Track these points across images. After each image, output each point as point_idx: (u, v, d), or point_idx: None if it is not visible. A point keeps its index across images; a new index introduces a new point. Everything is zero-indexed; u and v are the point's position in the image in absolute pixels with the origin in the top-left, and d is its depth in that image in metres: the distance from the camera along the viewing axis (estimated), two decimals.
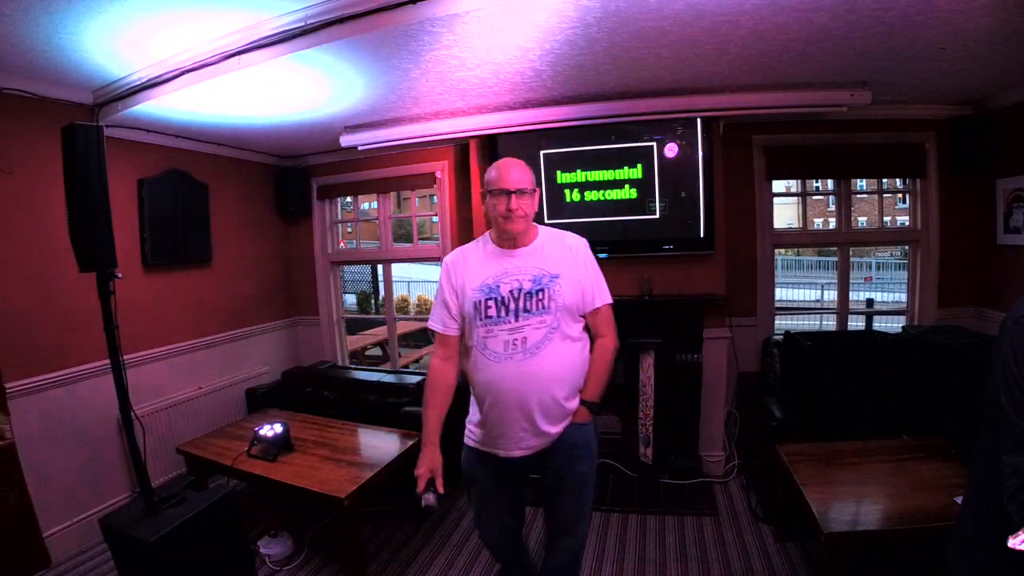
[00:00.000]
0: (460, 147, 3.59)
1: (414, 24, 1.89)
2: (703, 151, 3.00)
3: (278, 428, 2.68)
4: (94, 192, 1.73)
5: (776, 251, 3.80)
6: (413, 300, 9.97)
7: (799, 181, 3.69)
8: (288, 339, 4.34)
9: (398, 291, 9.72)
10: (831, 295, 7.91)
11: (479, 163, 3.43)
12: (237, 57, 2.15)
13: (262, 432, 2.66)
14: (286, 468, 2.49)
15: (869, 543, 1.90)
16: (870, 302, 7.82)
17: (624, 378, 3.46)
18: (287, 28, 2.00)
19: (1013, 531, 0.91)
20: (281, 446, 2.63)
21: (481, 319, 1.58)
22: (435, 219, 4.04)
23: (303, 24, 1.96)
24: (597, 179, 3.15)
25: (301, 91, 2.61)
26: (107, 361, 1.86)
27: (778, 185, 3.61)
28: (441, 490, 1.61)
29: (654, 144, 3.04)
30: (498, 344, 1.56)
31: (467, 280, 1.62)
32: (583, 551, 1.86)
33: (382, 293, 5.50)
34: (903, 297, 3.70)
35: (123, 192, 2.92)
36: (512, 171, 1.59)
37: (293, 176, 4.08)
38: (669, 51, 2.27)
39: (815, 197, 9.98)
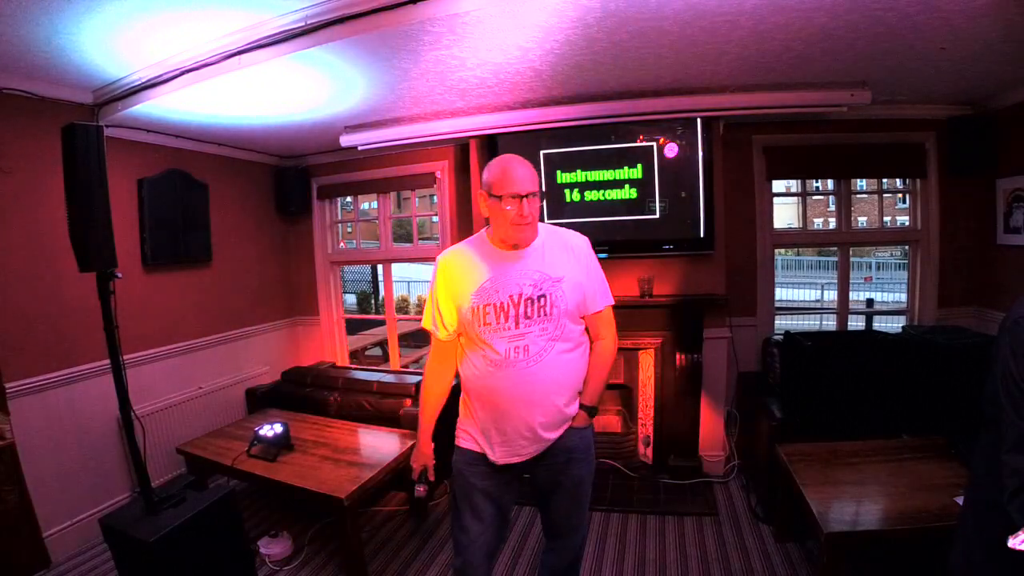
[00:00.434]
0: (460, 147, 3.59)
1: (414, 24, 1.89)
2: (703, 151, 3.00)
3: (278, 428, 2.67)
4: (94, 192, 1.73)
5: (776, 251, 3.80)
6: (413, 300, 9.98)
7: (799, 181, 3.68)
8: (288, 339, 4.34)
9: (398, 291, 9.74)
10: (831, 295, 7.91)
11: (479, 163, 3.43)
12: (237, 57, 2.15)
13: (262, 432, 2.66)
14: (286, 468, 2.49)
15: (869, 543, 1.90)
16: (870, 302, 7.82)
17: (624, 378, 3.47)
18: (287, 28, 2.00)
19: (1013, 531, 0.91)
20: (281, 446, 2.63)
21: (480, 325, 1.50)
22: (435, 219, 4.04)
23: (303, 24, 1.96)
24: (597, 179, 3.15)
25: (301, 91, 2.61)
26: (107, 361, 1.86)
27: (778, 185, 3.61)
28: (432, 478, 1.75)
29: (654, 144, 3.04)
30: (498, 351, 1.49)
31: (463, 282, 1.53)
32: (584, 549, 1.84)
33: (382, 293, 5.50)
34: (903, 297, 3.70)
35: (123, 192, 2.92)
36: (520, 171, 1.46)
37: (293, 176, 4.08)
38: (669, 51, 2.27)
39: (815, 197, 9.98)
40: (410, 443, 2.64)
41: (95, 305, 1.79)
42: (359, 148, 3.40)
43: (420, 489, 1.73)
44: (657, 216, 3.10)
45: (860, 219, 12.02)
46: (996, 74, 2.60)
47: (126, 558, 1.90)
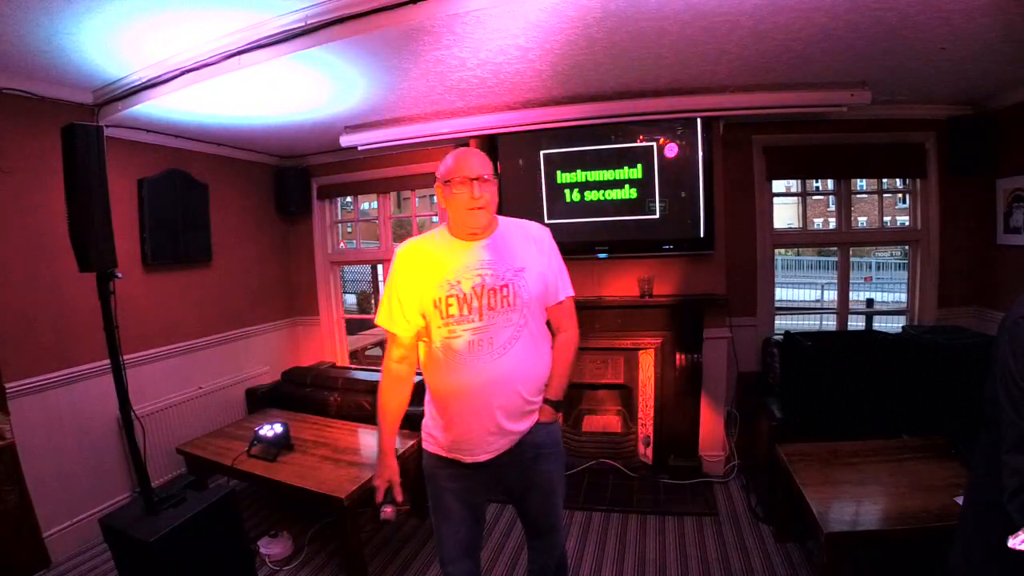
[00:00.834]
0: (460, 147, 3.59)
1: (414, 24, 1.89)
2: (703, 151, 3.00)
3: (278, 428, 2.68)
4: (94, 192, 1.73)
5: (776, 251, 3.80)
6: None
7: (799, 181, 3.69)
8: (288, 339, 4.34)
9: None
10: (831, 295, 7.91)
11: None
12: (237, 57, 2.15)
13: (262, 432, 2.66)
14: (286, 468, 2.49)
15: (869, 543, 1.91)
16: (870, 302, 7.82)
17: (624, 378, 3.47)
18: (287, 28, 2.00)
19: (1013, 531, 0.91)
20: (281, 446, 2.63)
21: (443, 318, 1.46)
22: (435, 219, 4.04)
23: (303, 24, 1.96)
24: (597, 179, 3.15)
25: (302, 91, 2.61)
26: (107, 361, 1.86)
27: (778, 185, 3.61)
28: (400, 499, 1.56)
29: (654, 144, 3.04)
30: (462, 345, 1.45)
31: (424, 274, 1.48)
32: (564, 544, 1.81)
33: (382, 293, 5.49)
34: (903, 297, 3.70)
35: (123, 192, 2.92)
36: (471, 158, 1.46)
37: (293, 176, 4.08)
38: (669, 51, 2.27)
39: (815, 197, 9.99)
40: (411, 443, 2.64)
41: (95, 305, 1.79)
42: (359, 148, 3.40)
43: (387, 511, 1.55)
44: (657, 216, 3.09)
45: (860, 219, 12.04)
46: (996, 74, 2.60)
47: (126, 558, 1.90)
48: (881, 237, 4.84)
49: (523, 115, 3.04)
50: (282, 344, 4.26)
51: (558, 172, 3.20)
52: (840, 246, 3.56)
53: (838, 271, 3.62)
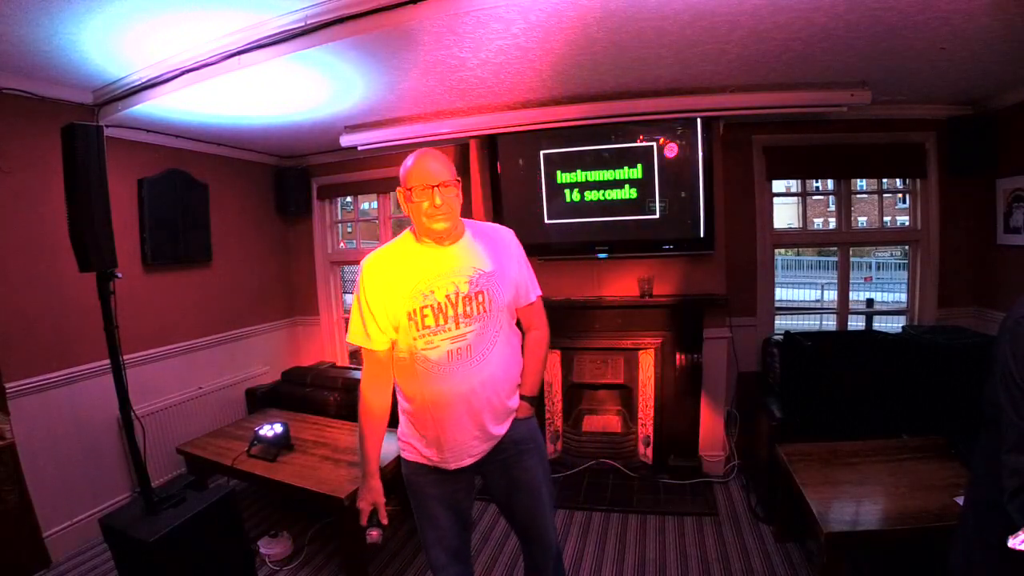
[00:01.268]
0: (460, 147, 3.59)
1: (414, 24, 1.89)
2: (703, 151, 2.99)
3: (278, 428, 2.68)
4: (94, 192, 1.73)
5: (776, 251, 3.80)
6: None
7: (799, 181, 3.69)
8: (288, 339, 4.34)
9: None
10: (831, 295, 7.90)
11: (479, 163, 3.43)
12: (237, 57, 2.15)
13: (262, 432, 2.66)
14: (286, 468, 2.49)
15: (869, 543, 1.90)
16: (870, 302, 7.81)
17: (624, 378, 3.47)
18: (287, 28, 2.00)
19: (1013, 531, 0.91)
20: (281, 446, 2.63)
21: (419, 329, 1.42)
22: None
23: (303, 24, 1.96)
24: (597, 179, 3.15)
25: (301, 91, 2.61)
26: (107, 361, 1.87)
27: (778, 185, 3.61)
28: (385, 521, 1.52)
29: (654, 144, 3.04)
30: (441, 355, 1.43)
31: (395, 285, 1.43)
32: (558, 541, 1.77)
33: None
34: (903, 297, 3.70)
35: (123, 192, 2.92)
36: (430, 163, 1.40)
37: (293, 176, 4.09)
38: (669, 51, 2.27)
39: (815, 197, 9.99)
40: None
41: (95, 305, 1.80)
42: (359, 148, 3.40)
43: (373, 534, 1.49)
44: (657, 216, 3.09)
45: (860, 219, 12.04)
46: (996, 74, 2.60)
47: (126, 558, 1.90)
48: (881, 237, 4.85)
49: (523, 115, 3.04)
50: (282, 344, 4.26)
51: (558, 172, 3.20)
52: (840, 246, 3.56)
53: (838, 271, 3.62)
